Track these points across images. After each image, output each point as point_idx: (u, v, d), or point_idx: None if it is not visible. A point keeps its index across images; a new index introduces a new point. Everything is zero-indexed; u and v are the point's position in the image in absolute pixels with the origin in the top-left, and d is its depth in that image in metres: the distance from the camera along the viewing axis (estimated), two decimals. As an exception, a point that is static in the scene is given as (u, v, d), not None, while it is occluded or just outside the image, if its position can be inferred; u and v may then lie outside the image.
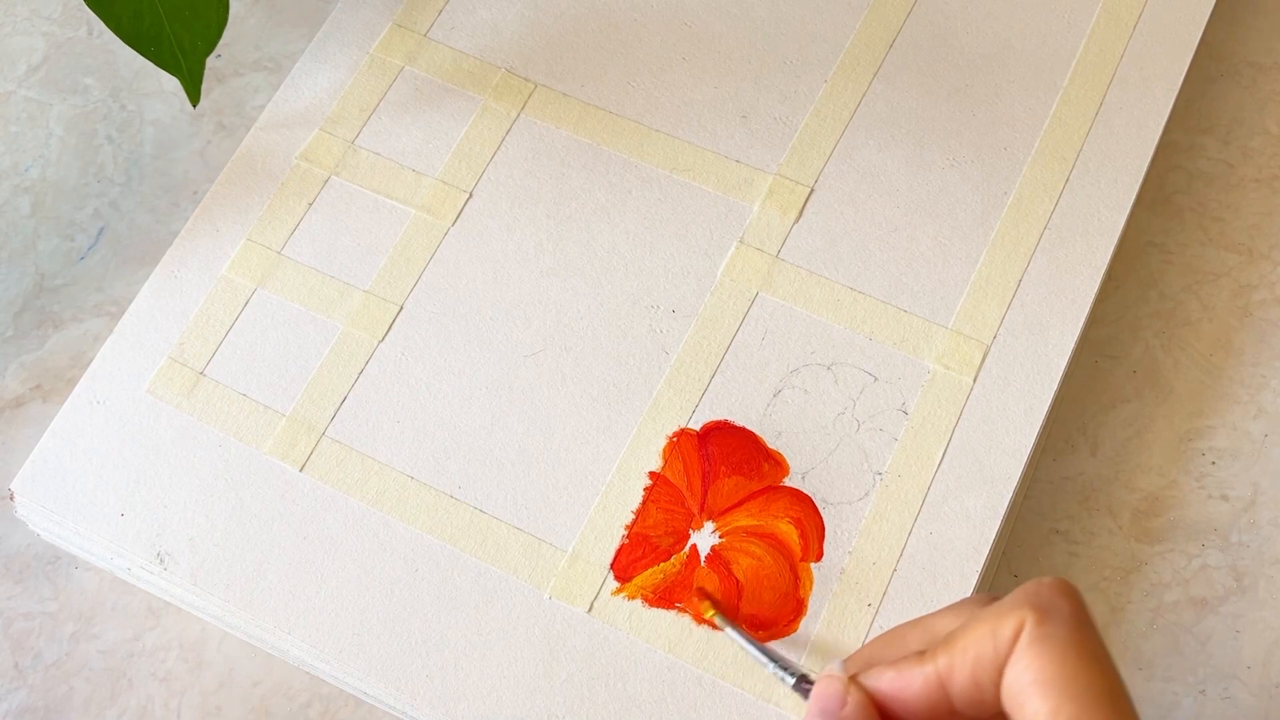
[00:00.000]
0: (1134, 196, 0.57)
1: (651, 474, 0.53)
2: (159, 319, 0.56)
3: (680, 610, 0.51)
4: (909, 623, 0.44)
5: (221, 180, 0.59)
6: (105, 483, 0.53)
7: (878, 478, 0.52)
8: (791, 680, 0.47)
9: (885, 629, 0.49)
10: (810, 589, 0.51)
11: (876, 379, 0.54)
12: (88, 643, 0.55)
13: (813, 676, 0.46)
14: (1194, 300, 0.60)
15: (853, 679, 0.43)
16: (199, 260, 0.57)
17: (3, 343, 0.61)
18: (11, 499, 0.54)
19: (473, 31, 0.61)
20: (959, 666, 0.41)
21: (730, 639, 0.50)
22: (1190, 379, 0.58)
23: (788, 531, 0.52)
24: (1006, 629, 0.40)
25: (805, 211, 0.57)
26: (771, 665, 0.48)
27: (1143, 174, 0.57)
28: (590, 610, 0.51)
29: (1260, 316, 0.59)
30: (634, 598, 0.51)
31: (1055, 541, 0.56)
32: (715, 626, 0.50)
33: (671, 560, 0.51)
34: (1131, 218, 0.57)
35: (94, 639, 0.55)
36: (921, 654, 0.42)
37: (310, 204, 0.58)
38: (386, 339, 0.55)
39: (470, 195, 0.58)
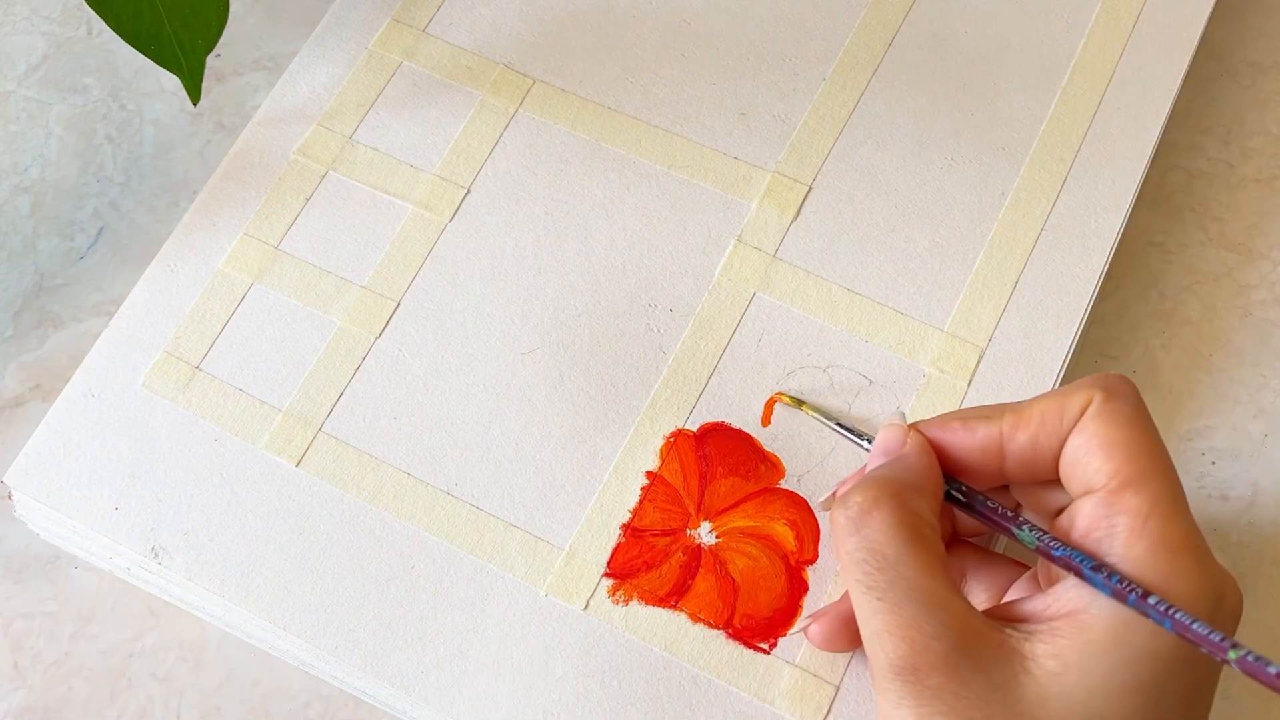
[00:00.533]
0: (1131, 198, 0.57)
1: (649, 473, 0.53)
2: (155, 313, 0.56)
3: (676, 609, 0.50)
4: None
5: (219, 175, 0.58)
6: (100, 476, 0.53)
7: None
8: (868, 446, 0.50)
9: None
10: (805, 590, 0.51)
11: (872, 382, 0.54)
12: (87, 643, 0.55)
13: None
14: (1194, 300, 0.60)
15: (913, 426, 0.47)
16: (195, 255, 0.57)
17: (2, 342, 0.60)
18: (9, 497, 0.54)
19: (471, 27, 0.61)
20: (1022, 428, 0.45)
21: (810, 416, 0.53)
22: (1190, 379, 0.58)
23: (783, 533, 0.51)
24: (1075, 403, 0.44)
25: (803, 210, 0.57)
26: (850, 436, 0.52)
27: (1140, 176, 0.57)
28: (586, 608, 0.51)
29: (1260, 316, 0.59)
30: (630, 596, 0.51)
31: (1054, 541, 0.56)
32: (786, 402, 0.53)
33: (668, 560, 0.51)
34: (1131, 217, 0.57)
35: (93, 639, 0.55)
36: (989, 414, 0.46)
37: (307, 199, 0.58)
38: (383, 335, 0.55)
39: (468, 191, 0.58)
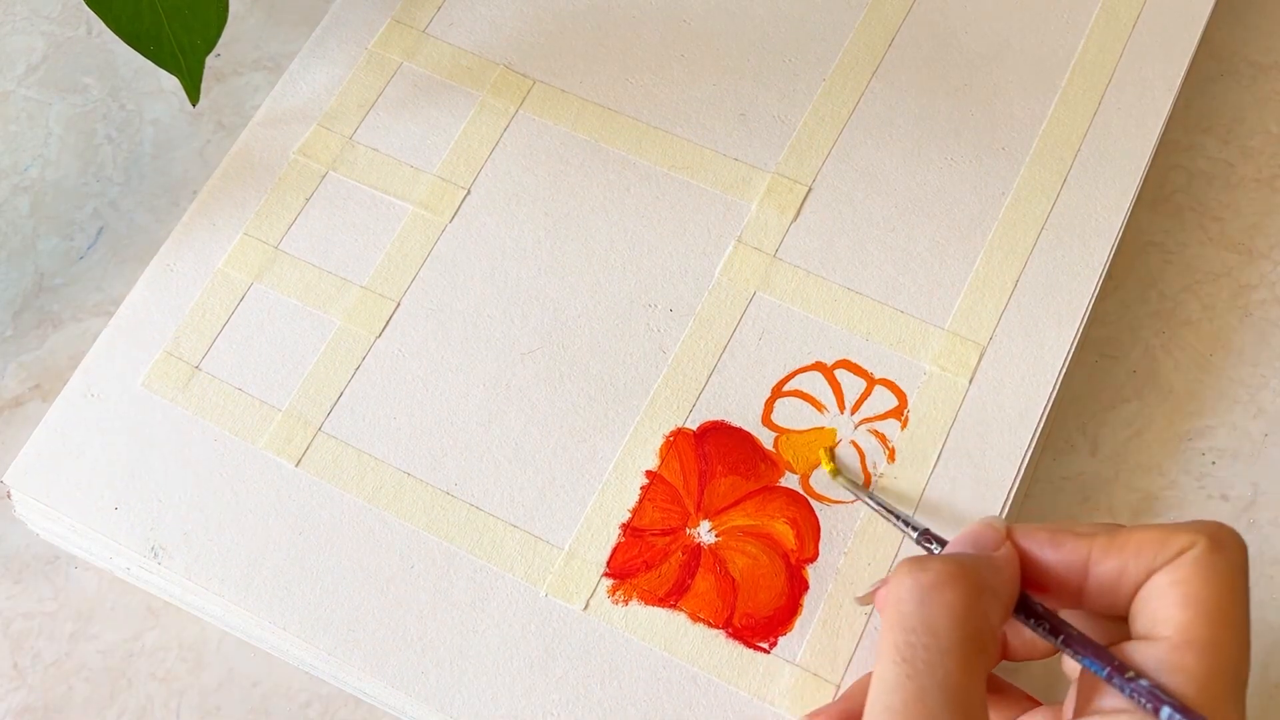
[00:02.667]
0: (1132, 197, 0.57)
1: (648, 473, 0.53)
2: (155, 312, 0.56)
3: (675, 609, 0.50)
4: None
5: (219, 175, 0.58)
6: (99, 476, 0.53)
7: (874, 478, 0.52)
8: (915, 535, 0.49)
9: (879, 630, 0.49)
10: (805, 589, 0.51)
11: (873, 381, 0.54)
12: (87, 643, 0.55)
13: (936, 532, 0.48)
14: (1194, 300, 0.60)
15: (1008, 529, 0.44)
16: (195, 254, 0.57)
17: (2, 342, 0.60)
18: (9, 497, 0.54)
19: (471, 27, 0.61)
20: (1114, 554, 0.41)
21: (852, 494, 0.52)
22: (1190, 379, 0.58)
23: (783, 531, 0.51)
24: (1177, 542, 0.41)
25: (803, 210, 0.57)
26: (894, 520, 0.50)
27: (1141, 175, 0.57)
28: (586, 608, 0.51)
29: (1260, 316, 0.59)
30: (630, 596, 0.51)
31: (1054, 541, 0.56)
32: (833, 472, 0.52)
33: (668, 559, 0.51)
34: (1131, 217, 0.57)
35: (93, 639, 0.55)
36: (1080, 533, 0.42)
37: (307, 199, 0.58)
38: (383, 335, 0.55)
39: (468, 192, 0.58)
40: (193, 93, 0.57)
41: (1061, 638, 0.42)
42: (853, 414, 0.53)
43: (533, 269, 0.56)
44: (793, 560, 0.51)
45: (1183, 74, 0.59)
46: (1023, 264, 0.56)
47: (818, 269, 0.56)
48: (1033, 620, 0.43)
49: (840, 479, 0.52)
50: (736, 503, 0.52)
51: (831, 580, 0.51)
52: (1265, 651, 0.54)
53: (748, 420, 0.53)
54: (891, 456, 0.53)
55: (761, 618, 0.50)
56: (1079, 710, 0.42)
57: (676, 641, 0.50)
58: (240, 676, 0.54)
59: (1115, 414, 0.58)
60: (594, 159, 0.58)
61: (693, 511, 0.52)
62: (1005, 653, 0.46)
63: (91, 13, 0.59)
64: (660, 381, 0.54)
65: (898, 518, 0.50)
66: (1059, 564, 0.43)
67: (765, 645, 0.50)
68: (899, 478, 0.52)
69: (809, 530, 0.51)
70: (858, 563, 0.51)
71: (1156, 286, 0.60)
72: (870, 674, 0.43)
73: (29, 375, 0.60)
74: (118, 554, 0.53)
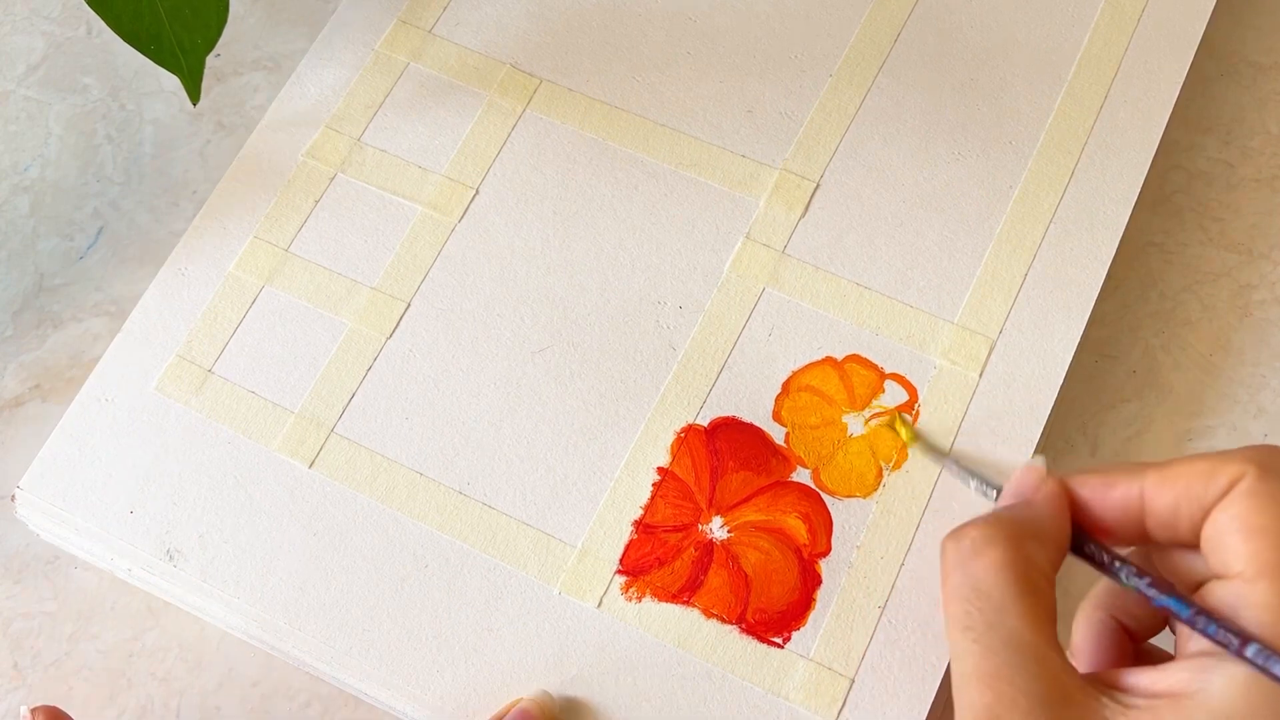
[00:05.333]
0: (1139, 190, 0.57)
1: (660, 469, 0.53)
2: (167, 317, 0.56)
3: (689, 605, 0.51)
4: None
5: (228, 178, 0.58)
6: (114, 480, 0.53)
7: (885, 473, 0.52)
8: (994, 495, 0.48)
9: (894, 624, 0.50)
10: (818, 584, 0.51)
11: (882, 375, 0.54)
12: (87, 642, 0.55)
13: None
14: (1194, 300, 0.60)
15: (1053, 473, 0.44)
16: (206, 258, 0.57)
17: (2, 342, 0.60)
18: (13, 500, 0.54)
19: (477, 27, 0.61)
20: (1166, 491, 0.42)
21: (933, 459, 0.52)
22: (1190, 379, 0.58)
23: (796, 526, 0.52)
24: (1224, 475, 0.41)
25: (811, 206, 0.57)
26: (974, 482, 0.49)
27: (1147, 166, 0.58)
28: (600, 605, 0.51)
29: (1260, 316, 0.60)
30: (643, 593, 0.51)
31: (1060, 537, 0.56)
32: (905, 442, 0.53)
33: (680, 555, 0.51)
34: (1131, 218, 0.57)
35: (93, 639, 0.55)
36: (1132, 470, 0.43)
37: (317, 201, 0.58)
38: (394, 336, 0.55)
39: (476, 192, 0.58)
40: (193, 92, 0.57)
41: (1124, 570, 0.43)
42: (864, 409, 0.54)
43: (542, 268, 0.56)
44: (805, 555, 0.51)
45: (1186, 69, 0.60)
46: (1031, 257, 0.56)
47: (826, 264, 0.56)
48: (1094, 559, 0.44)
49: (918, 444, 0.52)
50: (748, 498, 0.52)
51: (844, 574, 0.51)
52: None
53: (758, 416, 0.54)
54: (903, 451, 0.53)
55: (775, 613, 0.50)
56: (1179, 650, 0.42)
57: (690, 638, 0.50)
58: (240, 676, 0.54)
59: (1115, 414, 0.58)
60: (602, 157, 0.58)
61: (705, 508, 0.52)
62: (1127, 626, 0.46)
63: (92, 12, 0.59)
64: (671, 378, 0.54)
65: (979, 480, 0.50)
66: (1115, 505, 0.43)
67: (779, 640, 0.50)
68: (911, 471, 0.52)
69: (821, 525, 0.52)
70: (871, 557, 0.51)
71: (1156, 286, 0.60)
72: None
73: (29, 375, 0.60)
74: (132, 559, 0.53)
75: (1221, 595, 0.40)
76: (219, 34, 0.57)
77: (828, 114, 0.59)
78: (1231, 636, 0.39)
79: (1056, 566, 0.43)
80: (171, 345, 0.55)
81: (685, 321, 0.55)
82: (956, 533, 0.42)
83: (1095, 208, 0.57)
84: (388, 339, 0.55)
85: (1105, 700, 0.40)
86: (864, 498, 0.52)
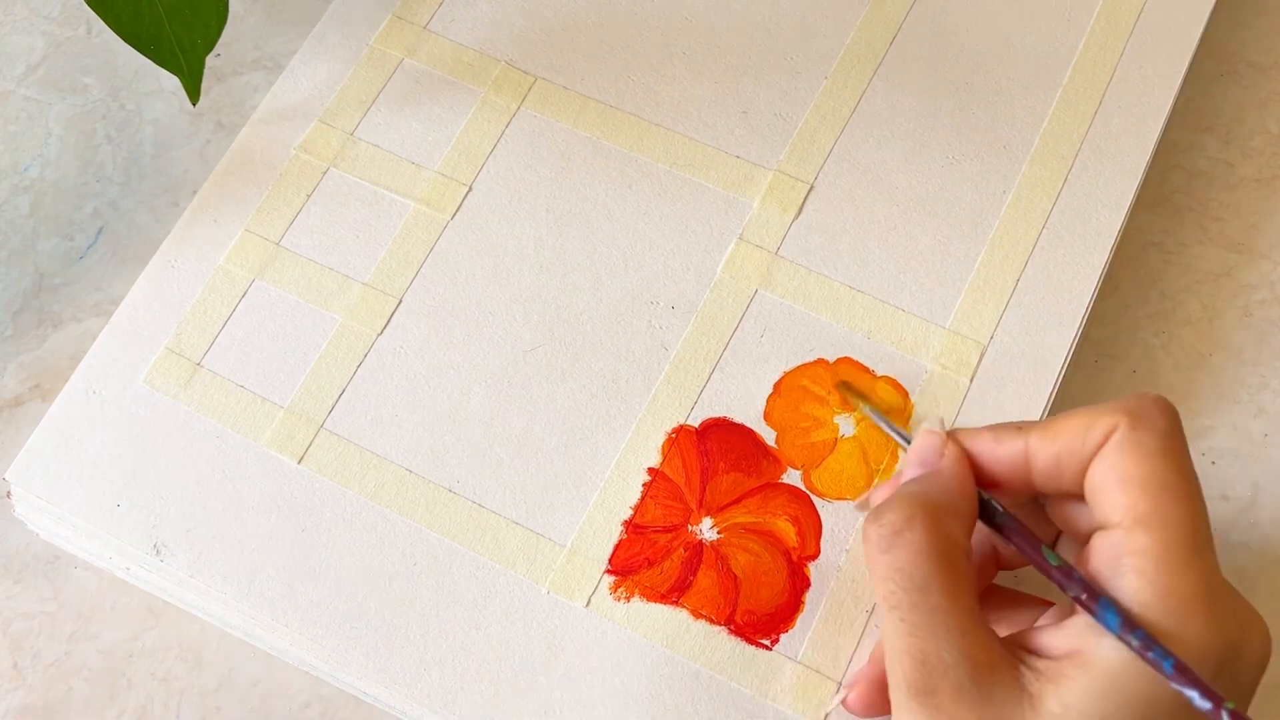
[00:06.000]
0: (1133, 196, 0.57)
1: (650, 470, 0.53)
2: (156, 309, 0.56)
3: (677, 606, 0.50)
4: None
5: (219, 171, 0.58)
6: (101, 474, 0.53)
7: (875, 476, 0.52)
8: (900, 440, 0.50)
9: (880, 627, 0.50)
10: (807, 586, 0.51)
11: (874, 378, 0.54)
12: (87, 642, 0.55)
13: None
14: (1194, 300, 0.60)
15: (950, 434, 0.47)
16: (196, 250, 0.57)
17: (2, 342, 0.60)
18: (8, 496, 0.54)
19: (472, 24, 0.61)
20: (1047, 445, 0.44)
21: (868, 415, 0.53)
22: (1190, 379, 0.58)
23: (785, 529, 0.51)
24: (1099, 428, 0.43)
25: (805, 208, 0.57)
26: (898, 436, 0.51)
27: (1141, 174, 0.57)
28: (588, 605, 0.51)
29: (1260, 316, 0.59)
30: (632, 593, 0.51)
31: (1055, 539, 0.56)
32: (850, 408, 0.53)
33: (670, 556, 0.51)
34: (1131, 217, 0.57)
35: (93, 639, 0.55)
36: (1020, 427, 0.45)
37: (309, 195, 0.58)
38: (385, 332, 0.55)
39: (469, 188, 0.58)
40: (193, 92, 0.57)
41: (1014, 541, 0.45)
42: (854, 412, 0.53)
43: (534, 266, 0.56)
44: (794, 557, 0.51)
45: (1182, 74, 0.59)
46: (1024, 263, 0.56)
47: (819, 267, 0.56)
48: (990, 525, 0.46)
49: (859, 402, 0.53)
50: (738, 500, 0.52)
51: (833, 577, 0.51)
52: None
53: (749, 417, 0.53)
54: (894, 455, 0.53)
55: (763, 615, 0.50)
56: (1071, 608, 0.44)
57: (678, 638, 0.50)
58: (240, 676, 0.54)
59: (1115, 413, 0.58)
60: (596, 156, 0.58)
61: (695, 508, 0.52)
62: (999, 563, 0.49)
63: (91, 12, 0.59)
64: (662, 378, 0.54)
65: (897, 432, 0.51)
66: (1004, 460, 0.45)
67: (767, 642, 0.50)
68: (901, 475, 0.52)
69: (811, 527, 0.51)
70: (860, 560, 0.51)
71: (1156, 286, 0.60)
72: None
73: (29, 375, 0.60)
74: (119, 552, 0.53)
75: (1102, 545, 0.42)
76: (219, 34, 0.57)
77: (822, 116, 0.59)
78: (1090, 603, 0.41)
79: (970, 534, 0.45)
80: (160, 338, 0.55)
81: (678, 322, 0.55)
82: (875, 515, 0.44)
83: (1089, 213, 0.57)
84: (379, 335, 0.55)
85: (1024, 669, 0.42)
86: (854, 500, 0.52)
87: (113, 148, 0.64)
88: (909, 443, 0.49)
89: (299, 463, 0.53)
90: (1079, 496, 0.45)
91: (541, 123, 0.59)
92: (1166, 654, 0.40)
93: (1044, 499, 0.47)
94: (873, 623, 0.50)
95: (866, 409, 0.52)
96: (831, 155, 0.58)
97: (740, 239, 0.56)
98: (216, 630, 0.55)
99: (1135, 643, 0.40)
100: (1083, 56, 0.60)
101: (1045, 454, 0.44)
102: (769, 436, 0.53)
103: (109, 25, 0.55)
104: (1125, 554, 0.41)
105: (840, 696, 0.49)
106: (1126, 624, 0.40)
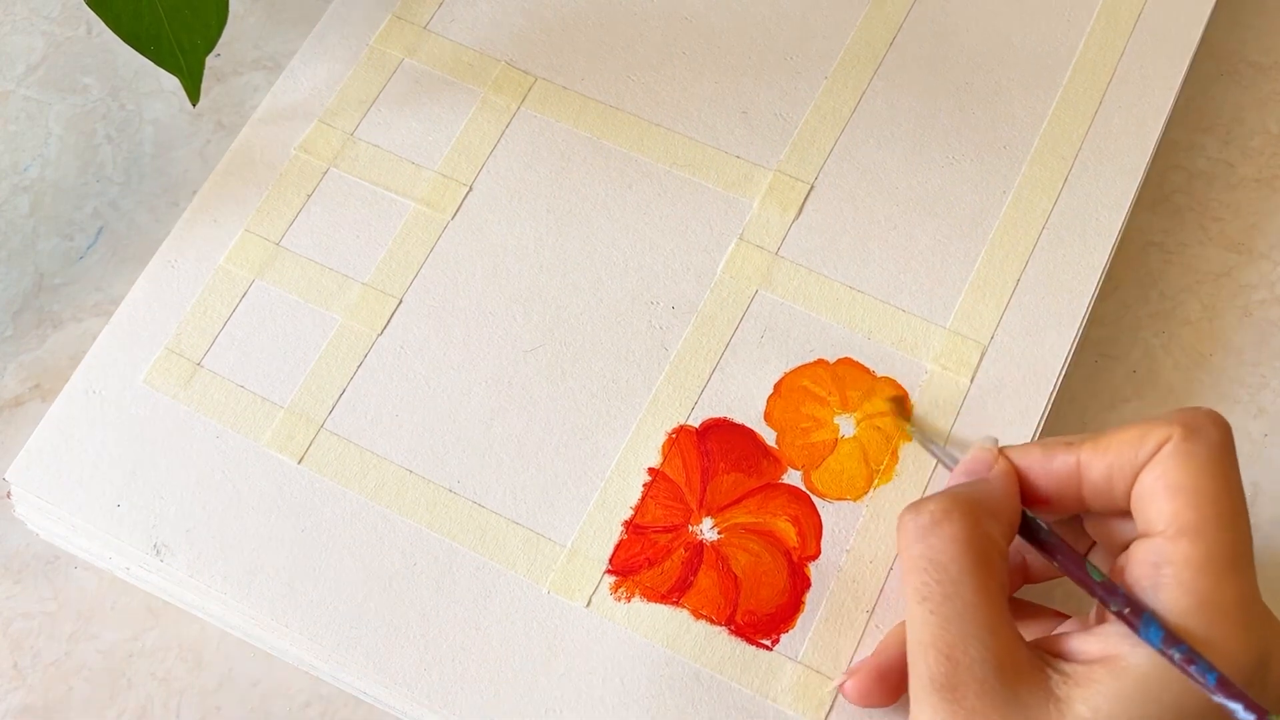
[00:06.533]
0: (1133, 197, 0.57)
1: (651, 470, 0.53)
2: (156, 309, 0.56)
3: (678, 606, 0.50)
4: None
5: (219, 171, 0.58)
6: (101, 474, 0.53)
7: (875, 477, 0.52)
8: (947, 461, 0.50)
9: (882, 628, 0.50)
10: (807, 586, 0.51)
11: (874, 378, 0.54)
12: (87, 642, 0.55)
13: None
14: (1194, 300, 0.60)
15: (1001, 450, 0.47)
16: (196, 251, 0.57)
17: (2, 342, 0.60)
18: (8, 496, 0.54)
19: (472, 24, 0.61)
20: (1099, 460, 0.44)
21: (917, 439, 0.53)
22: (1190, 379, 0.58)
23: (785, 529, 0.51)
24: (1152, 439, 0.43)
25: (805, 208, 0.57)
26: (944, 459, 0.51)
27: (1141, 174, 0.57)
28: (589, 605, 0.51)
29: (1260, 316, 0.59)
30: (632, 593, 0.51)
31: (1056, 540, 0.56)
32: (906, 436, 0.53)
33: (670, 556, 0.51)
34: (1131, 217, 0.57)
35: (93, 639, 0.55)
36: (1069, 443, 0.45)
37: (309, 195, 0.58)
38: (385, 332, 0.55)
39: (470, 188, 0.58)
40: (193, 92, 0.57)
41: (1056, 559, 0.45)
42: (855, 411, 0.53)
43: (535, 266, 0.56)
44: (795, 558, 0.51)
45: (1183, 73, 0.59)
46: (1024, 263, 0.56)
47: (819, 267, 0.56)
48: (1032, 541, 0.46)
49: (915, 434, 0.53)
50: (739, 500, 0.52)
51: (834, 578, 0.51)
52: (1266, 650, 0.54)
53: (750, 418, 0.53)
54: (894, 455, 0.53)
55: (764, 615, 0.50)
56: (1100, 614, 0.45)
57: (679, 639, 0.50)
58: (240, 676, 0.54)
59: (1115, 414, 0.58)
60: (596, 156, 0.58)
61: (695, 509, 0.52)
62: (1027, 575, 0.49)
63: (91, 12, 0.59)
64: (662, 379, 0.54)
65: (946, 455, 0.51)
66: (1055, 476, 0.45)
67: (767, 642, 0.50)
68: (901, 475, 0.52)
69: (811, 528, 0.51)
70: (860, 560, 0.51)
71: (1156, 286, 0.60)
72: (900, 623, 0.48)
73: (29, 375, 0.60)
74: (119, 552, 0.53)
75: (1144, 553, 0.42)
76: (219, 34, 0.57)
77: (822, 116, 0.59)
78: (1132, 617, 0.41)
79: (1009, 541, 0.45)
80: (161, 338, 0.55)
81: (678, 322, 0.55)
82: (915, 506, 0.44)
83: (1089, 213, 0.57)
84: (379, 335, 0.55)
85: (1051, 671, 0.42)
86: (854, 501, 0.52)
87: (113, 148, 0.64)
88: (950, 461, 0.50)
89: (299, 463, 0.53)
90: (1125, 512, 0.45)
91: (541, 123, 0.59)
92: (1210, 668, 0.40)
93: (1087, 516, 0.47)
94: (873, 623, 0.50)
95: (916, 435, 0.52)
96: (832, 155, 0.58)
97: (740, 239, 0.56)
98: (216, 630, 0.55)
99: (1178, 656, 0.40)
100: (1083, 56, 0.60)
101: (1098, 467, 0.44)
102: (769, 437, 0.53)
103: (109, 25, 0.55)
104: (1167, 562, 0.42)
105: (838, 682, 0.49)
106: (1169, 638, 0.40)
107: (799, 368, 0.54)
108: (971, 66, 0.60)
